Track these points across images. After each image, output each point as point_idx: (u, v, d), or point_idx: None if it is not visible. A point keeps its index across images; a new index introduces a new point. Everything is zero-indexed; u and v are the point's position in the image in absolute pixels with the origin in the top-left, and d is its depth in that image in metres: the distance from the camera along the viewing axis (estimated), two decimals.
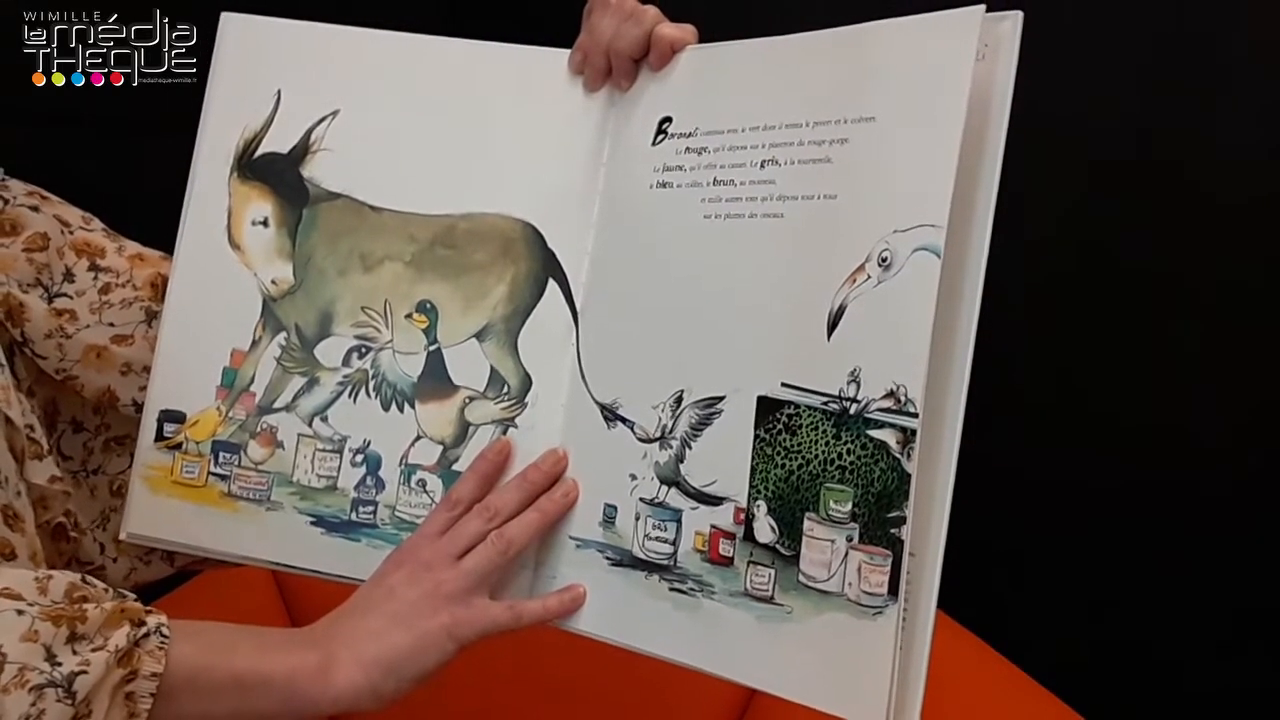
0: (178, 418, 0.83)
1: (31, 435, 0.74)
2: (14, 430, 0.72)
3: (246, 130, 0.85)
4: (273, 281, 0.84)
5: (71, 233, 0.83)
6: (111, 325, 0.82)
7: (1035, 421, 1.32)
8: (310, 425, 0.83)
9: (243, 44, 0.87)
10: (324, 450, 0.82)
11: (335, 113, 0.85)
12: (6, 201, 0.80)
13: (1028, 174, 1.00)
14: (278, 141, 0.85)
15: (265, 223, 0.84)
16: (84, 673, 0.57)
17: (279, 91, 0.85)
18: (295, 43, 0.86)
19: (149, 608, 0.63)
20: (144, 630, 0.61)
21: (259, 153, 0.85)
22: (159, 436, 0.83)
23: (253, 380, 0.83)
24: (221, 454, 0.83)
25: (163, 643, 0.61)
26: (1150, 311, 1.26)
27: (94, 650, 0.58)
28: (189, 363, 0.83)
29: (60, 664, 0.57)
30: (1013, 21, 0.65)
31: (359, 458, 0.82)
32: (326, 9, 0.87)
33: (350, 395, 0.83)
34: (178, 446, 0.83)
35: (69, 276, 0.81)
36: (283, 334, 0.83)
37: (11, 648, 0.56)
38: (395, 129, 0.84)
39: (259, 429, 0.83)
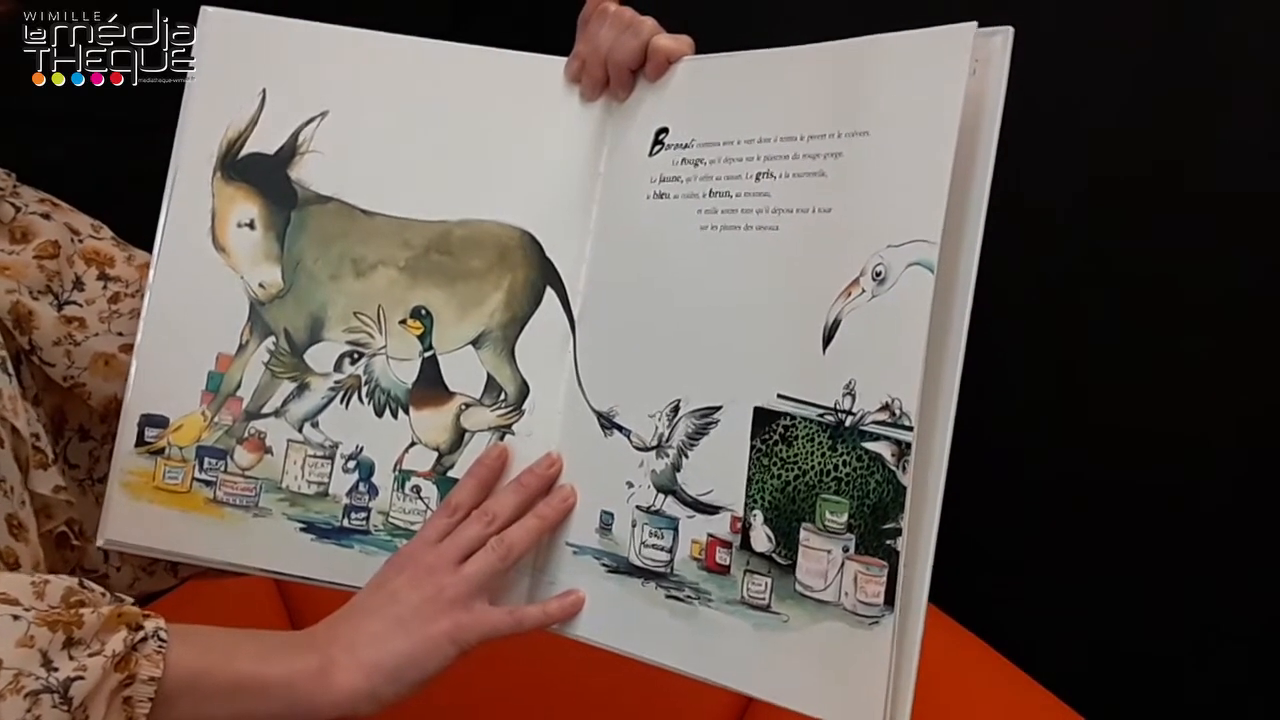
0: (159, 422, 0.82)
1: (37, 445, 0.74)
2: (19, 440, 0.72)
3: (230, 129, 0.84)
4: (260, 285, 0.83)
5: (81, 241, 0.83)
6: (120, 334, 0.82)
7: (1035, 424, 1.32)
8: (300, 431, 0.82)
9: (225, 40, 0.85)
10: (315, 456, 0.82)
11: (324, 114, 0.84)
12: (18, 209, 0.80)
13: (1026, 180, 1.01)
14: (263, 142, 0.84)
15: (251, 225, 0.83)
16: (80, 678, 0.57)
17: (264, 90, 0.84)
18: (280, 40, 0.85)
19: (146, 612, 0.63)
20: (141, 634, 0.61)
21: (243, 153, 0.84)
22: (139, 441, 0.82)
23: (240, 385, 0.82)
24: (207, 459, 0.82)
25: (160, 647, 0.61)
26: (1149, 314, 1.26)
27: (91, 655, 0.58)
28: (171, 366, 0.82)
29: (57, 669, 0.57)
30: (1003, 37, 0.66)
31: (351, 464, 0.82)
32: (330, 9, 0.86)
33: (342, 401, 0.82)
34: (160, 452, 0.82)
35: (79, 285, 0.81)
36: (271, 338, 0.83)
37: (7, 653, 0.56)
38: (387, 133, 0.83)
39: (246, 434, 0.82)
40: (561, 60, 0.82)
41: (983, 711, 1.08)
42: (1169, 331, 1.25)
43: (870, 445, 0.66)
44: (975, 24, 0.65)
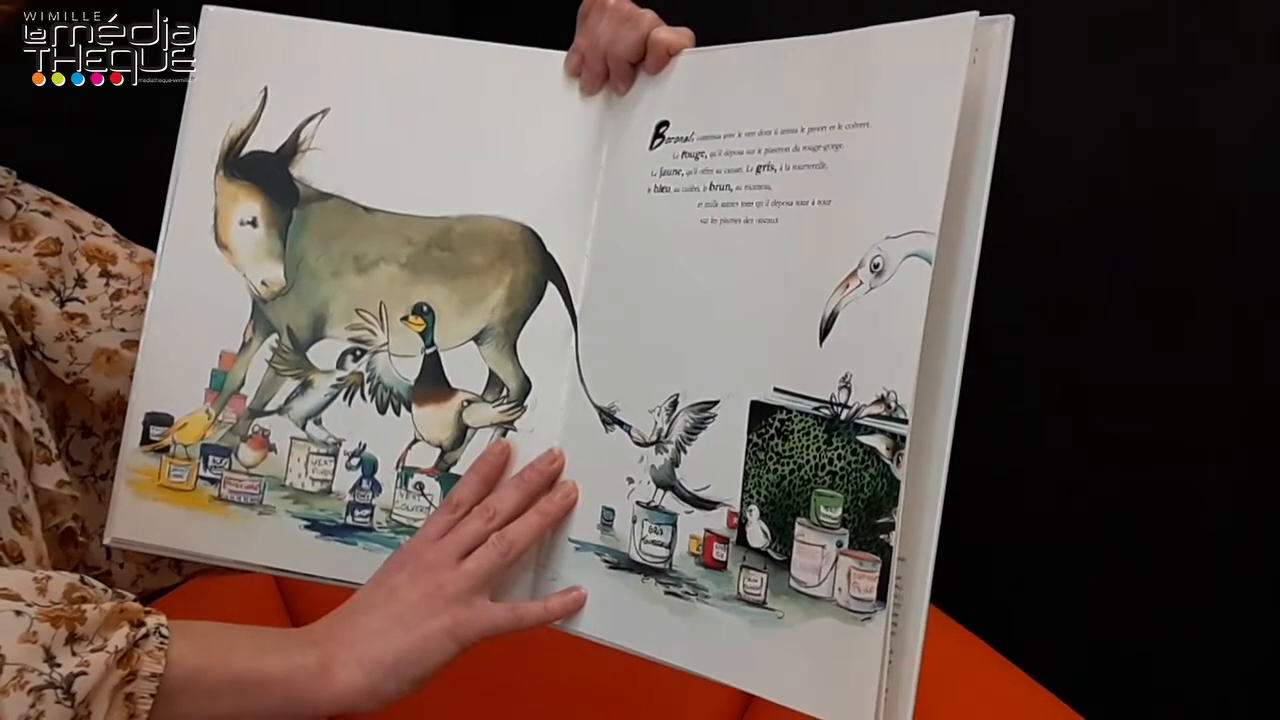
0: (164, 420, 0.82)
1: (40, 440, 0.74)
2: (22, 434, 0.72)
3: (232, 128, 0.84)
4: (263, 283, 0.83)
5: (83, 238, 0.83)
6: (123, 331, 0.82)
7: (1036, 424, 1.32)
8: (304, 428, 0.82)
9: (227, 39, 0.85)
10: (318, 453, 0.82)
11: (325, 111, 0.84)
12: (19, 206, 0.80)
13: (1028, 182, 1.00)
14: (265, 140, 0.84)
15: (254, 223, 0.83)
16: (83, 674, 0.57)
17: (265, 88, 0.84)
18: (282, 38, 0.85)
19: (148, 608, 0.63)
20: (143, 631, 0.61)
21: (245, 151, 0.84)
22: (145, 440, 0.82)
23: (243, 383, 0.82)
24: (211, 457, 0.82)
25: (162, 643, 0.61)
26: (1150, 312, 1.26)
27: (93, 651, 0.58)
28: (175, 364, 0.82)
29: (59, 665, 0.57)
30: (1003, 26, 0.66)
31: (354, 461, 0.82)
32: (331, 7, 0.86)
33: (345, 398, 0.82)
34: (164, 450, 0.82)
35: (80, 281, 0.81)
36: (274, 336, 0.83)
37: (10, 649, 0.56)
38: (388, 129, 0.84)
39: (250, 432, 0.82)
40: (561, 54, 0.82)
41: (983, 712, 1.08)
42: (1171, 332, 1.25)
43: (865, 439, 0.66)
44: (976, 13, 0.65)
